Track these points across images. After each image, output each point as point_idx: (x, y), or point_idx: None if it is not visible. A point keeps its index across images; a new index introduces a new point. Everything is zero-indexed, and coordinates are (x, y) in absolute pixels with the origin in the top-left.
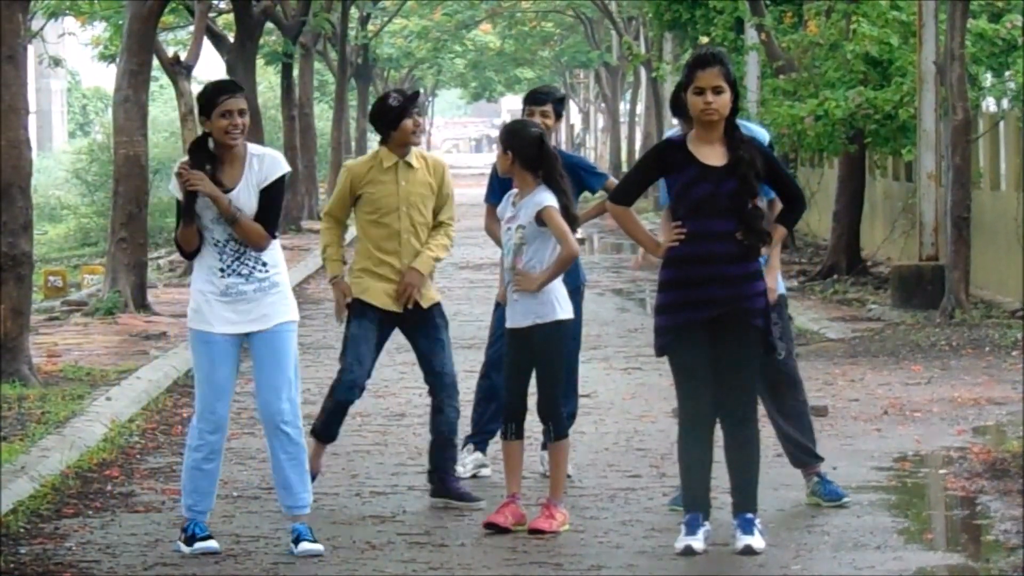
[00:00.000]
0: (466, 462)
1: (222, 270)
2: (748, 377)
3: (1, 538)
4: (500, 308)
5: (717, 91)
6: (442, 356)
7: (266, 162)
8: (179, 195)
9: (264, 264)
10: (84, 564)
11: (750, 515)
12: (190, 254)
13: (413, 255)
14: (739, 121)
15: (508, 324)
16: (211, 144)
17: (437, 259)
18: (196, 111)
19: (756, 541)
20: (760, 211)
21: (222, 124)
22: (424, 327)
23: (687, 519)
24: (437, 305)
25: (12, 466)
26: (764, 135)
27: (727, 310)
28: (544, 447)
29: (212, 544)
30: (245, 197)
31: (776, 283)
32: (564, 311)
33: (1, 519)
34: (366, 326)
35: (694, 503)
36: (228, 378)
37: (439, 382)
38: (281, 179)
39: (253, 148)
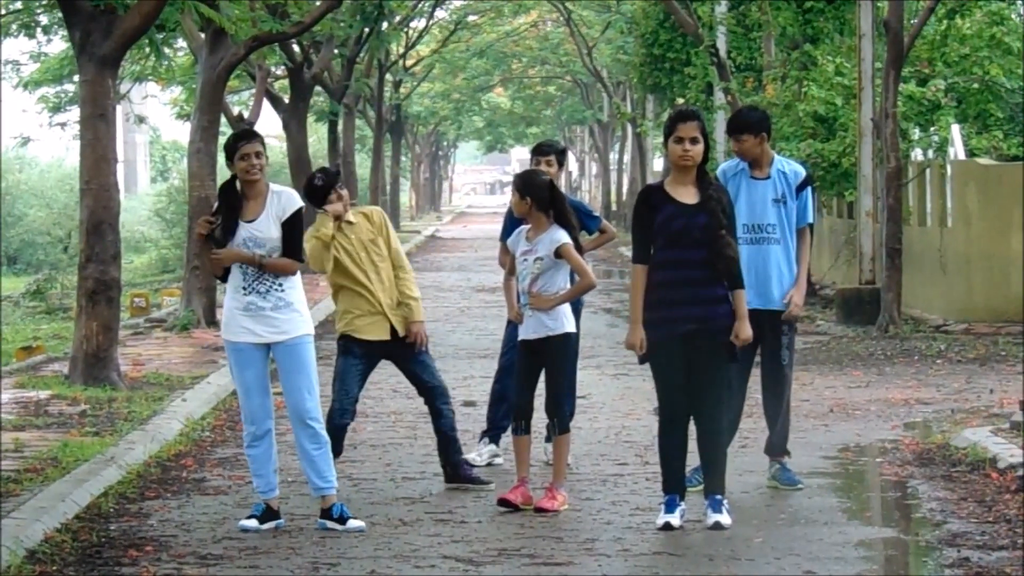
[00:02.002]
0: (482, 452)
1: (244, 288)
2: (717, 382)
3: (94, 517)
4: (511, 325)
5: (694, 141)
6: (430, 371)
7: (283, 198)
8: (217, 234)
9: (280, 285)
10: (163, 538)
11: (719, 496)
12: (222, 277)
13: (380, 287)
14: (780, 158)
15: (521, 336)
16: (238, 184)
17: (417, 299)
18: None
19: (724, 518)
20: (727, 240)
21: (242, 165)
22: (409, 353)
23: (666, 500)
24: None
25: (103, 456)
26: (801, 169)
27: (699, 327)
28: (548, 440)
29: (247, 523)
30: (265, 227)
31: (802, 300)
32: (571, 326)
33: (94, 501)
34: (352, 361)
35: (671, 486)
36: (254, 379)
37: (432, 392)
38: (298, 212)
39: (274, 186)
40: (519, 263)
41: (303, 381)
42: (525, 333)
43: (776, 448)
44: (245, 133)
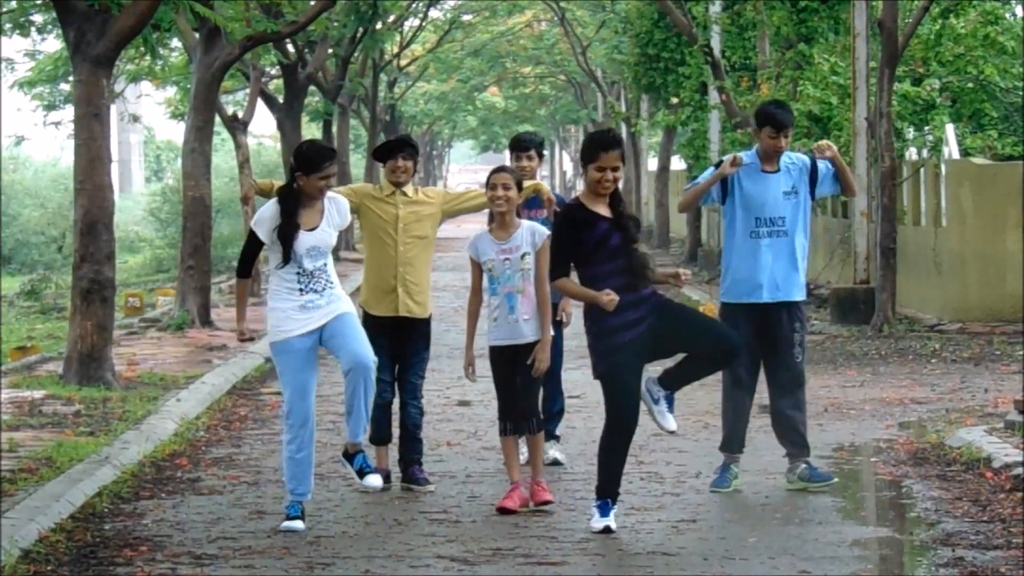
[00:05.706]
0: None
1: (301, 290)
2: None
3: (89, 516)
4: None
5: (615, 169)
6: (421, 366)
7: (340, 207)
8: (263, 238)
9: (331, 282)
10: (158, 538)
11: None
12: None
13: (406, 264)
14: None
15: (501, 342)
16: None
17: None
18: (292, 164)
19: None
20: (639, 253)
21: (320, 184)
22: (413, 337)
23: (599, 504)
24: (430, 318)
25: (97, 456)
26: (804, 156)
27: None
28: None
29: (295, 524)
30: (327, 235)
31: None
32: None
33: (89, 501)
34: (375, 337)
35: (605, 491)
36: (309, 379)
37: (406, 385)
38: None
39: (327, 192)
40: (498, 264)
41: (361, 336)
42: (502, 338)
43: (803, 448)
44: (332, 152)
